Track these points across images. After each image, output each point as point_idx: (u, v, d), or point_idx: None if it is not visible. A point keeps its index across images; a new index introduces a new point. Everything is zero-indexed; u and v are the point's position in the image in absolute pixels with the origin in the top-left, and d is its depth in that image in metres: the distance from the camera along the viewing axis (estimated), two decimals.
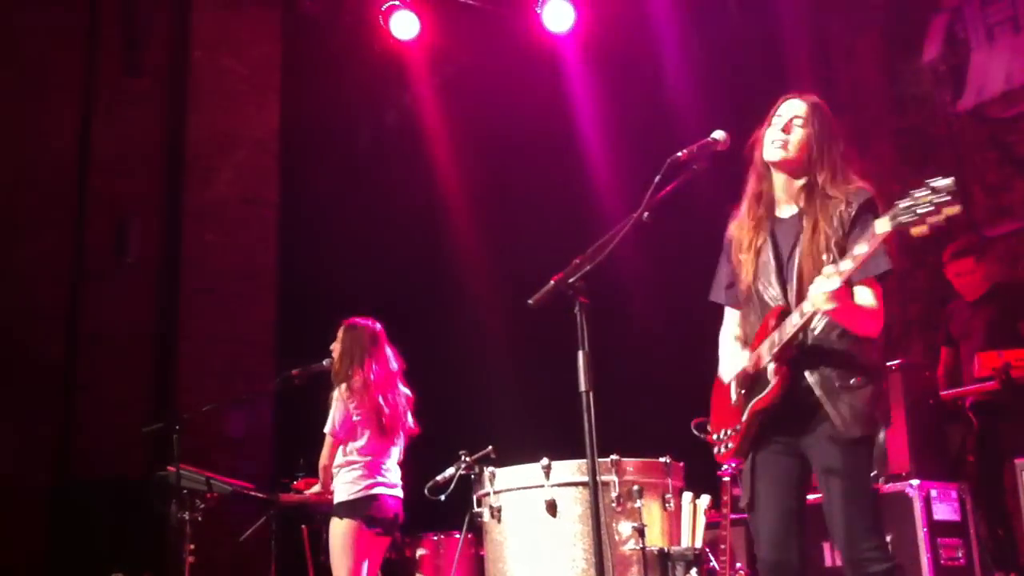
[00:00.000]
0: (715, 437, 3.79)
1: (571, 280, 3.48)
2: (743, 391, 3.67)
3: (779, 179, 3.69)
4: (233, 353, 8.11)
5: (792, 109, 3.67)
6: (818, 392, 3.49)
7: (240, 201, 8.44)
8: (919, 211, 3.02)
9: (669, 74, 8.24)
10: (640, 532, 4.65)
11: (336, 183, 8.64)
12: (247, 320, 8.28)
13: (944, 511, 5.59)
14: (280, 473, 6.63)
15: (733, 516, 5.75)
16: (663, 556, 4.73)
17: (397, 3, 8.26)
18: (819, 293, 3.28)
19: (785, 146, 3.62)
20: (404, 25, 8.29)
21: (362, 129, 8.79)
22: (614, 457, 4.73)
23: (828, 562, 5.69)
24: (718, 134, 3.68)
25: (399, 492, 5.85)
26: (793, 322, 3.45)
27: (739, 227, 3.75)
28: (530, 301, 3.53)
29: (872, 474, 3.48)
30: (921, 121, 7.95)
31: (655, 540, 4.75)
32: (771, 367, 3.54)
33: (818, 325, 3.52)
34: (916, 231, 3.06)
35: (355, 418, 5.78)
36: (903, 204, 3.06)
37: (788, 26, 8.69)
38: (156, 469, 6.21)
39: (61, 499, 7.31)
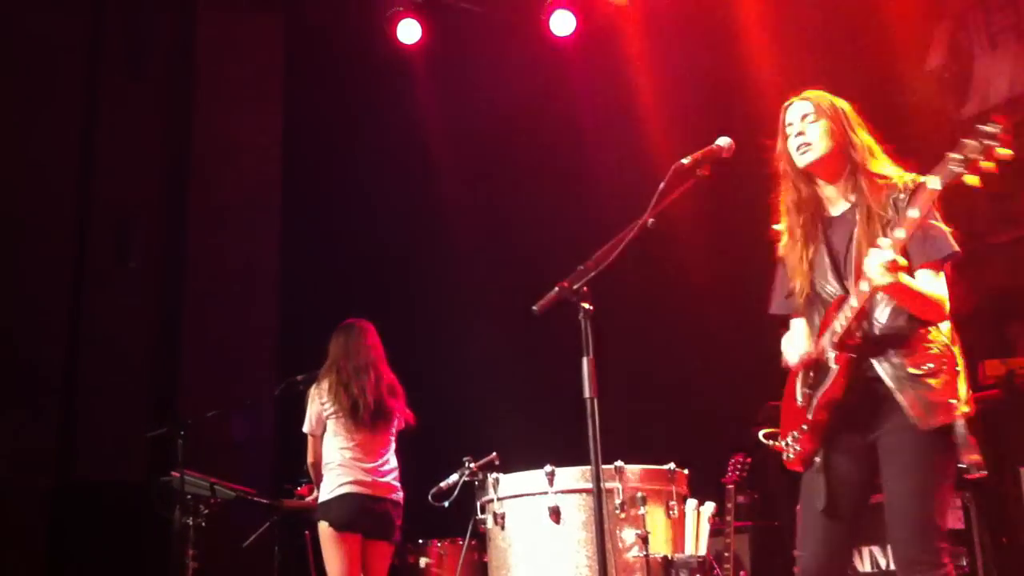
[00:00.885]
0: (783, 444, 3.69)
1: (575, 286, 3.47)
2: (807, 389, 3.59)
3: (822, 181, 3.67)
4: (235, 358, 8.12)
5: (798, 111, 3.68)
6: (888, 381, 3.39)
7: (243, 207, 8.45)
8: (969, 156, 2.98)
9: (672, 80, 8.24)
10: (644, 539, 4.64)
11: (339, 189, 8.65)
12: (250, 325, 8.29)
13: (949, 519, 5.58)
14: (283, 479, 6.63)
15: (737, 524, 5.75)
16: (667, 564, 4.71)
17: (401, 9, 8.27)
18: (873, 266, 3.20)
19: (810, 146, 3.60)
20: (408, 32, 8.30)
21: (365, 135, 8.79)
22: (618, 464, 4.72)
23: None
24: (723, 141, 3.68)
25: (393, 493, 5.79)
26: (851, 305, 3.39)
27: (788, 239, 3.71)
28: (534, 307, 3.52)
29: (959, 465, 3.35)
30: (924, 129, 7.94)
31: (659, 547, 4.73)
32: (832, 355, 3.46)
33: (883, 313, 3.45)
34: (969, 180, 3.01)
35: (325, 414, 5.78)
36: (952, 155, 3.02)
37: (792, 33, 8.67)
38: (157, 473, 6.21)
39: (62, 502, 7.31)
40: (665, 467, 4.90)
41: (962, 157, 3.00)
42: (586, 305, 3.45)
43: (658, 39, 8.33)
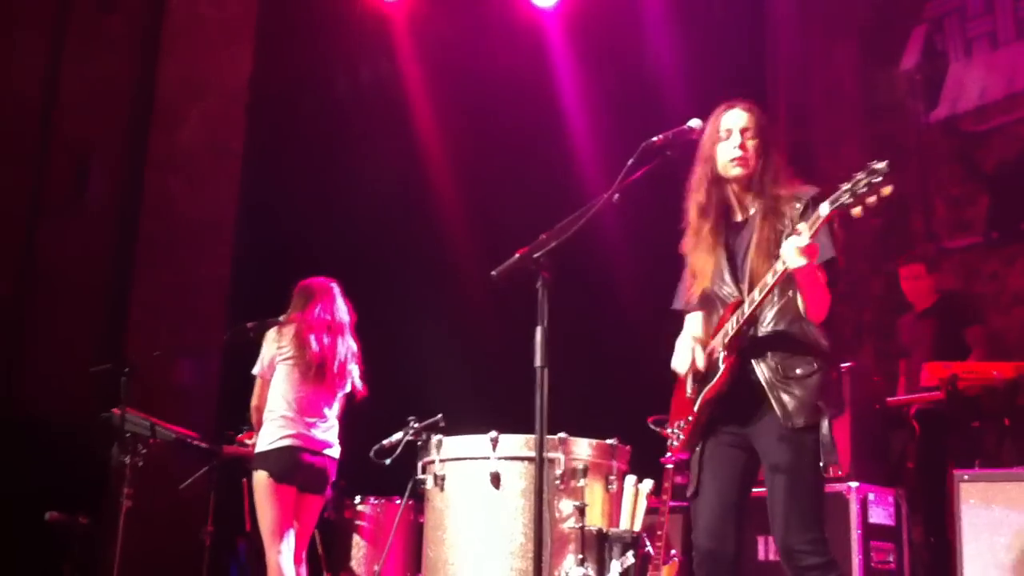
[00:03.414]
0: (669, 431, 3.85)
1: (536, 255, 3.49)
2: (697, 384, 3.75)
3: (733, 189, 3.77)
4: (186, 303, 8.03)
5: (738, 121, 3.74)
6: (764, 383, 3.56)
7: (205, 150, 8.34)
8: (857, 191, 3.16)
9: (651, 55, 8.24)
10: (581, 511, 4.68)
11: (306, 140, 8.56)
12: (203, 271, 8.20)
13: (879, 515, 5.69)
14: (226, 426, 6.60)
15: (672, 503, 5.81)
16: (601, 537, 4.75)
17: None
18: (791, 248, 3.34)
19: (745, 163, 3.70)
20: None
21: (336, 87, 8.70)
22: (562, 435, 4.75)
23: (762, 556, 5.78)
24: (694, 122, 3.74)
25: (330, 450, 5.79)
26: (744, 311, 3.54)
27: (693, 237, 3.81)
28: (493, 273, 3.56)
29: (820, 464, 3.49)
30: (892, 129, 8.01)
31: (595, 520, 4.77)
32: (721, 355, 3.61)
33: (767, 315, 3.60)
34: (855, 212, 3.19)
35: (280, 359, 5.74)
36: (844, 187, 3.21)
37: (770, 23, 8.70)
38: (100, 411, 6.16)
39: (1, 436, 7.22)
40: (608, 442, 4.94)
41: (850, 193, 3.19)
42: (544, 274, 3.47)
43: (638, 11, 8.32)
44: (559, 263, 3.49)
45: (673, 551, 5.81)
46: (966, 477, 5.23)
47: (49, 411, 7.31)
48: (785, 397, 3.52)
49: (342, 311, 5.91)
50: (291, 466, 5.61)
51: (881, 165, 3.14)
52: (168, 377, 7.50)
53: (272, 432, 5.67)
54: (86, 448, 6.53)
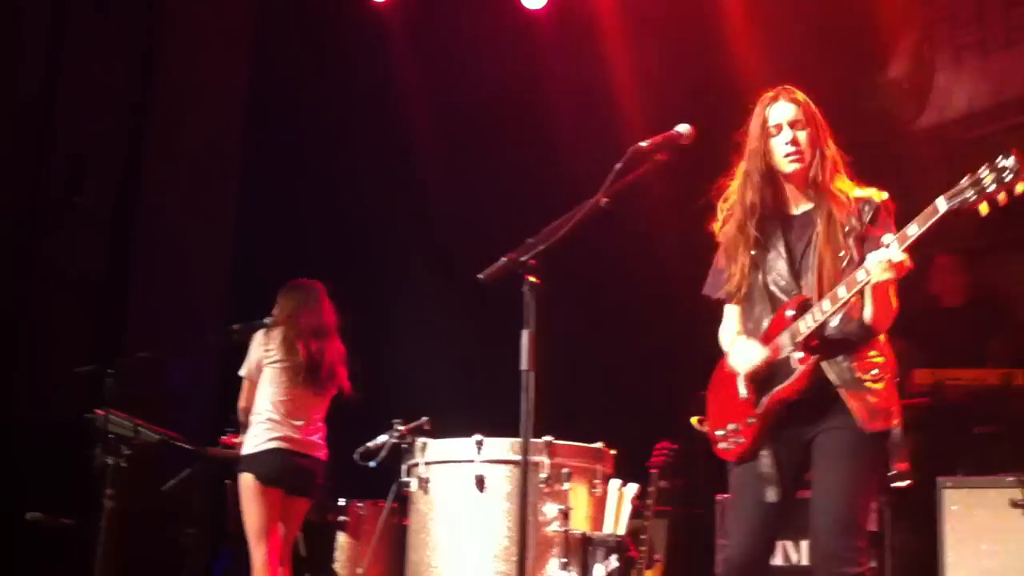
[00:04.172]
0: (719, 433, 3.75)
1: (523, 258, 3.48)
2: (754, 384, 3.64)
3: (788, 183, 3.70)
4: (183, 306, 8.02)
5: (786, 113, 3.66)
6: (837, 384, 3.48)
7: (202, 152, 8.33)
8: (987, 188, 3.08)
9: (638, 58, 8.25)
10: (565, 514, 4.68)
11: (302, 143, 8.56)
12: (201, 274, 8.18)
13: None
14: (210, 427, 6.57)
15: (657, 508, 5.82)
16: (585, 540, 4.75)
17: None
18: (878, 261, 3.27)
19: (801, 158, 3.62)
20: None
21: (333, 91, 8.68)
22: (548, 439, 4.75)
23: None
24: (683, 127, 3.68)
25: (317, 451, 5.78)
26: (823, 308, 3.45)
27: (737, 231, 3.73)
28: (480, 276, 3.54)
29: (889, 473, 3.54)
30: (878, 136, 8.02)
31: (579, 524, 4.77)
32: (796, 356, 3.52)
33: (835, 318, 3.51)
34: (982, 208, 3.12)
35: (267, 362, 5.74)
36: (965, 183, 3.12)
37: (761, 29, 8.71)
38: (87, 412, 6.13)
39: None
40: (593, 445, 4.95)
41: (978, 186, 3.11)
42: (532, 278, 3.46)
43: (631, 17, 8.32)
44: (547, 267, 3.49)
45: (656, 556, 5.82)
46: (949, 484, 5.26)
47: (40, 412, 7.27)
48: (862, 400, 3.45)
49: (329, 313, 5.91)
50: (278, 469, 5.61)
51: (1009, 161, 3.05)
52: (158, 379, 7.47)
53: (259, 434, 5.66)
54: (72, 450, 6.49)
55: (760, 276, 3.67)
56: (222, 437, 6.20)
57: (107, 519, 5.71)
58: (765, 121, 3.68)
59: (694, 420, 3.92)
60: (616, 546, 4.76)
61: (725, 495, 5.96)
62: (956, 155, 7.59)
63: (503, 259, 3.50)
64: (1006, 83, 7.46)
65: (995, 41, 7.58)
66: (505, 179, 8.31)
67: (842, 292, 3.40)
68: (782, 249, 3.65)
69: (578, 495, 4.81)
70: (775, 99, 3.69)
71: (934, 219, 3.21)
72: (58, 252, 7.63)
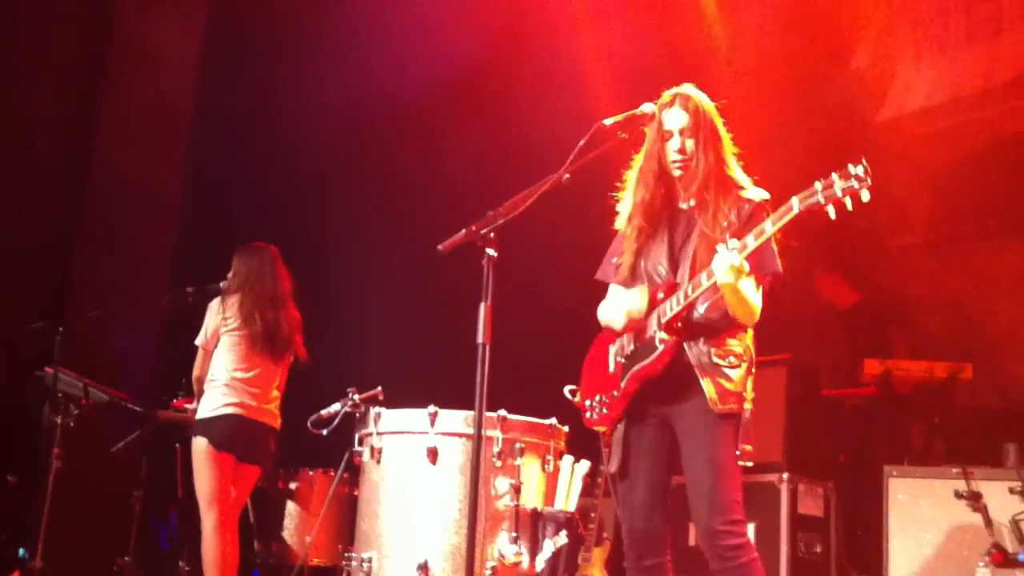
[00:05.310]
0: (587, 403, 3.90)
1: (483, 231, 3.49)
2: (622, 359, 3.80)
3: (676, 182, 3.82)
4: (128, 266, 7.91)
5: (677, 121, 3.76)
6: (696, 366, 3.63)
7: (153, 116, 8.19)
8: (836, 193, 3.22)
9: (602, 38, 8.26)
10: (517, 489, 4.71)
11: (254, 111, 8.45)
12: (148, 234, 8.08)
13: (809, 506, 5.78)
14: (161, 389, 6.52)
15: (607, 488, 5.85)
16: (535, 515, 4.78)
17: None
18: (722, 264, 3.41)
19: (686, 165, 3.75)
20: None
21: (289, 62, 8.58)
22: (501, 413, 4.77)
23: (692, 542, 5.84)
24: (647, 107, 3.80)
25: (272, 420, 5.76)
26: (686, 292, 3.59)
27: (631, 219, 3.87)
28: (440, 247, 3.56)
29: (736, 452, 3.61)
30: (839, 127, 8.08)
31: (530, 499, 4.80)
32: (660, 335, 3.65)
33: (703, 305, 3.67)
34: (830, 211, 3.26)
35: (224, 330, 5.70)
36: (818, 186, 3.26)
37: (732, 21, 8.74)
38: (33, 370, 6.06)
39: None
40: (546, 421, 4.97)
41: (828, 191, 3.24)
42: (490, 251, 3.48)
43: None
44: (506, 240, 3.49)
45: (605, 533, 5.86)
46: (895, 473, 5.34)
47: None
48: (716, 384, 3.61)
49: (284, 279, 5.87)
50: (232, 434, 5.58)
51: (859, 170, 3.20)
52: (106, 339, 7.39)
53: (214, 400, 5.62)
54: (19, 409, 6.42)
55: (644, 262, 3.82)
56: (173, 401, 6.15)
57: (53, 479, 5.66)
58: (660, 125, 3.80)
59: (567, 390, 4.01)
60: (566, 522, 4.79)
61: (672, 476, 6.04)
62: (912, 149, 7.68)
63: (463, 230, 3.52)
64: (964, 79, 7.55)
65: (956, 37, 7.66)
66: (466, 149, 8.28)
67: (704, 280, 3.55)
68: (665, 239, 3.80)
69: (530, 470, 4.84)
70: (671, 104, 3.80)
71: (788, 217, 3.35)
72: (5, 211, 7.51)
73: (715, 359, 3.63)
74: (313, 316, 6.04)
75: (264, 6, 8.53)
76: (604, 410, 3.81)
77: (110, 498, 6.62)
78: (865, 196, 3.20)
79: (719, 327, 3.66)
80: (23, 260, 7.57)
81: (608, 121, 3.71)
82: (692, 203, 3.79)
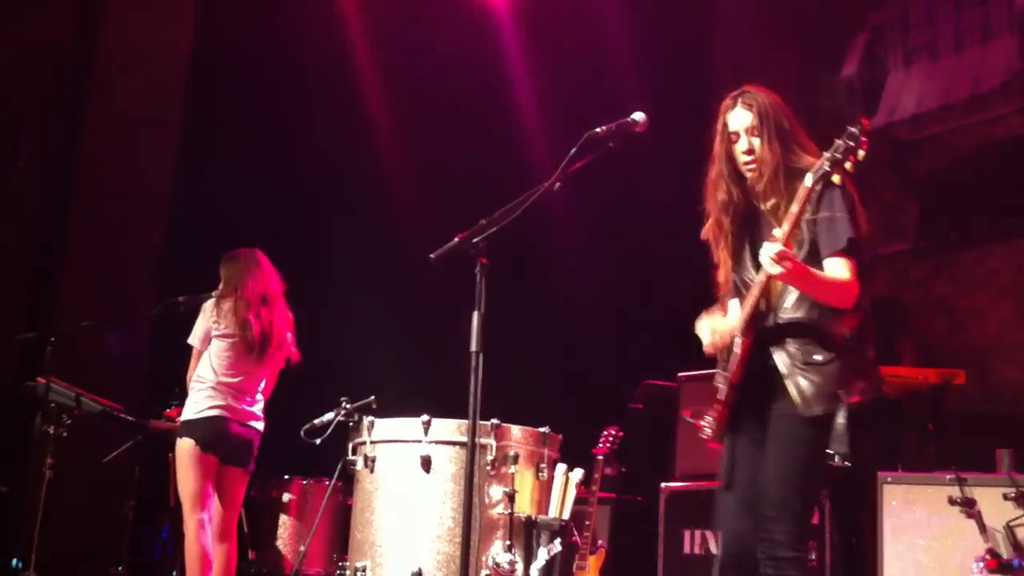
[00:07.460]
0: (702, 421, 3.79)
1: (474, 240, 3.50)
2: (722, 370, 3.71)
3: (752, 182, 3.73)
4: (117, 273, 7.88)
5: (741, 121, 3.68)
6: (781, 369, 3.52)
7: (142, 118, 8.18)
8: (836, 155, 3.30)
9: (599, 45, 8.27)
10: (510, 497, 4.70)
11: (245, 114, 8.44)
12: (135, 241, 8.06)
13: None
14: (152, 399, 6.51)
15: (601, 495, 5.86)
16: (529, 523, 4.78)
17: None
18: (765, 256, 3.35)
19: (758, 168, 3.65)
20: None
21: (280, 64, 8.57)
22: (494, 421, 4.76)
23: (687, 550, 5.84)
24: (638, 116, 3.76)
25: (256, 423, 5.75)
26: (752, 292, 3.53)
27: (717, 228, 3.78)
28: (432, 256, 3.56)
29: (828, 452, 3.53)
30: (831, 133, 8.10)
31: (524, 507, 4.80)
32: (738, 340, 3.58)
33: (787, 301, 3.57)
34: (836, 179, 3.34)
35: (215, 333, 5.69)
36: (827, 155, 3.32)
37: (717, 22, 8.78)
38: (25, 380, 6.05)
39: None
40: (540, 429, 4.97)
41: (831, 157, 3.31)
42: (482, 260, 3.48)
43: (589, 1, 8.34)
44: (497, 249, 3.50)
45: (600, 541, 5.86)
46: (889, 479, 5.33)
47: None
48: (803, 383, 3.47)
49: (273, 280, 5.87)
50: (217, 436, 5.57)
51: (854, 129, 3.26)
52: (96, 348, 7.37)
53: (200, 401, 5.62)
54: (9, 418, 6.40)
55: (736, 274, 3.74)
56: (166, 410, 6.14)
57: (46, 489, 5.65)
58: (725, 126, 3.73)
59: (688, 416, 3.97)
60: (560, 530, 4.79)
61: (669, 483, 6.05)
62: (902, 155, 7.71)
63: (455, 240, 3.52)
64: (954, 86, 7.57)
65: (946, 44, 7.68)
66: (458, 157, 8.29)
67: (759, 276, 3.51)
68: (751, 243, 3.71)
69: (524, 478, 4.83)
70: (732, 105, 3.73)
71: (805, 196, 3.38)
72: None
73: (803, 358, 3.50)
74: (305, 325, 6.04)
75: (253, 11, 8.52)
76: (714, 423, 3.70)
77: (103, 508, 6.60)
78: (861, 154, 3.26)
79: (806, 323, 3.54)
80: (10, 270, 7.55)
81: (598, 130, 3.70)
82: (771, 202, 3.67)
